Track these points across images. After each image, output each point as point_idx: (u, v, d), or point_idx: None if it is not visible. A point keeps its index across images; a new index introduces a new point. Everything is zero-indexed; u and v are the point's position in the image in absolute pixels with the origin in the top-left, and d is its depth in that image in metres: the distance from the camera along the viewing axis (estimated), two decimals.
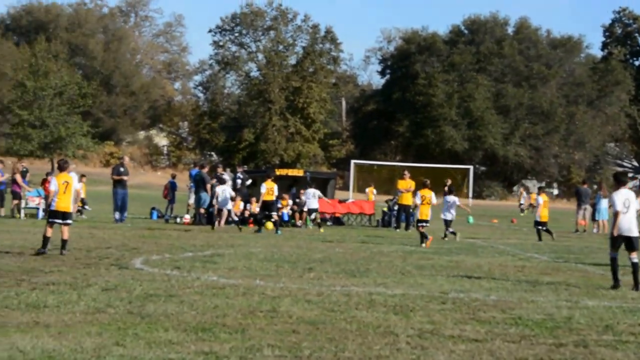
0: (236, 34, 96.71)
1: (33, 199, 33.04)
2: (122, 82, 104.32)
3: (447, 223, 27.68)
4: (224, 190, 29.54)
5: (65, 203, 18.38)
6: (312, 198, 32.09)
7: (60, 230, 18.21)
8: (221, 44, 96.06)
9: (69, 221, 18.49)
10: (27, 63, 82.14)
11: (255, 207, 33.06)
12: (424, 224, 24.77)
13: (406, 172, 34.12)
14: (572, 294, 14.26)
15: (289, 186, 35.10)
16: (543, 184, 44.69)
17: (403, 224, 33.30)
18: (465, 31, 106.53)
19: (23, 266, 15.75)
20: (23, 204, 32.72)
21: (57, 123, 76.84)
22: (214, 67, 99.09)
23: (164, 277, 14.65)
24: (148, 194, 61.25)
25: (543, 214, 28.66)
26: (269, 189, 29.05)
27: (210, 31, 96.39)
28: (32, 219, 31.62)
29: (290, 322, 10.78)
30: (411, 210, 33.07)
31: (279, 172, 36.59)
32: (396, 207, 34.63)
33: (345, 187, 70.44)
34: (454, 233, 27.71)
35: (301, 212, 33.32)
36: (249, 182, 34.33)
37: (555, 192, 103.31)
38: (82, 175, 36.56)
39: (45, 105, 76.92)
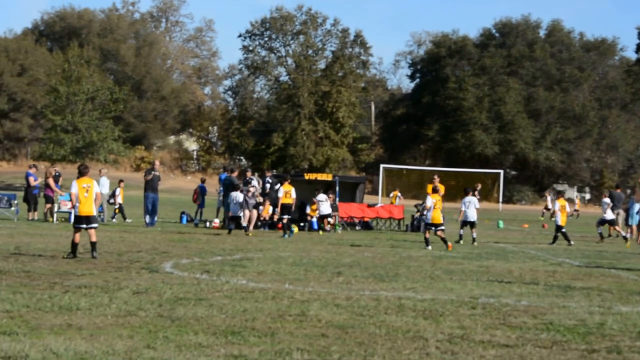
0: (266, 39, 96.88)
1: (65, 203, 32.85)
2: (152, 87, 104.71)
3: (464, 224, 28.06)
4: (236, 197, 29.16)
5: (87, 207, 18.52)
6: (324, 202, 31.86)
7: (88, 233, 18.41)
8: (251, 48, 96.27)
9: (94, 225, 18.62)
10: (60, 68, 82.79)
11: None
12: (439, 228, 24.99)
13: (436, 177, 33.85)
14: (605, 299, 14.05)
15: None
16: (561, 189, 44.03)
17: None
18: (497, 34, 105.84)
19: (56, 269, 15.83)
20: (55, 208, 32.96)
21: (89, 128, 77.36)
22: (243, 71, 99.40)
23: (194, 281, 14.67)
24: (178, 198, 61.49)
25: (562, 219, 28.61)
26: (286, 192, 29.61)
27: (240, 36, 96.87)
28: (64, 222, 31.65)
29: (320, 326, 10.74)
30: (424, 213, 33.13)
31: (307, 176, 36.69)
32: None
33: (374, 192, 70.32)
34: (460, 237, 27.98)
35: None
36: (277, 186, 34.28)
37: (588, 196, 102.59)
38: (120, 180, 36.87)
39: (78, 110, 77.43)
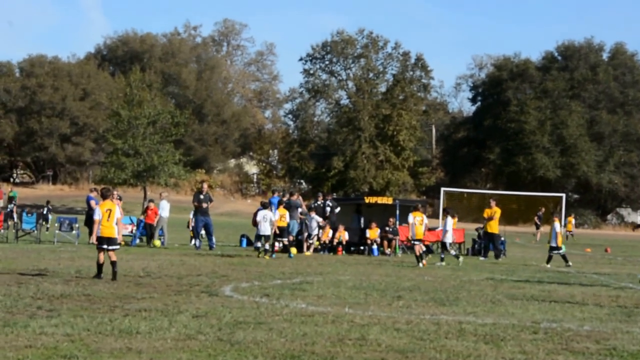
0: (327, 62, 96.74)
1: (126, 227, 33.18)
2: (213, 111, 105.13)
3: (445, 245, 28.74)
4: (265, 216, 28.36)
5: (109, 229, 19.02)
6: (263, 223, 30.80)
7: (108, 255, 18.87)
8: (312, 72, 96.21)
9: (115, 247, 19.17)
10: (122, 92, 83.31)
11: (344, 235, 33.23)
12: (418, 243, 27.12)
13: (492, 200, 33.60)
14: None
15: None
16: (556, 210, 42.28)
17: (492, 253, 32.94)
18: (559, 57, 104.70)
19: (116, 293, 15.94)
20: None
21: (150, 151, 77.43)
22: (304, 95, 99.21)
23: (253, 305, 14.65)
24: (238, 222, 61.70)
25: (559, 240, 28.54)
26: (281, 216, 29.51)
27: (301, 59, 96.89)
28: (124, 246, 31.40)
29: (379, 350, 10.68)
30: (502, 238, 32.91)
31: (368, 200, 36.45)
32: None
33: (435, 215, 69.79)
34: (442, 259, 28.46)
35: (390, 240, 33.15)
36: (337, 209, 34.25)
37: None
38: None
39: (139, 134, 77.61)
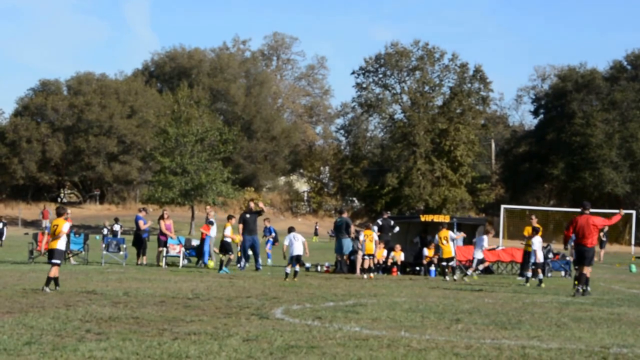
0: (380, 75, 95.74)
1: (174, 247, 33.13)
2: (263, 127, 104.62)
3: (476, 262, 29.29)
4: (295, 236, 26.70)
5: (52, 244, 20.12)
6: (295, 243, 27.66)
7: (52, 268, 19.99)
8: (364, 85, 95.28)
9: (56, 261, 20.04)
10: (169, 110, 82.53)
11: (399, 255, 32.36)
12: (369, 257, 28.50)
13: (533, 217, 31.72)
14: None
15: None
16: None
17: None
18: (628, 66, 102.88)
19: (165, 315, 15.78)
20: (164, 252, 32.56)
21: (198, 170, 76.56)
22: (356, 109, 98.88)
23: (305, 328, 14.33)
24: None
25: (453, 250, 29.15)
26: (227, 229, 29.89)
27: (353, 73, 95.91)
28: (173, 267, 32.08)
29: None
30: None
31: (423, 218, 35.60)
32: (550, 255, 32.96)
33: (495, 234, 66.70)
34: (468, 274, 28.70)
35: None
36: (397, 229, 33.20)
37: None
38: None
39: (187, 152, 76.75)
